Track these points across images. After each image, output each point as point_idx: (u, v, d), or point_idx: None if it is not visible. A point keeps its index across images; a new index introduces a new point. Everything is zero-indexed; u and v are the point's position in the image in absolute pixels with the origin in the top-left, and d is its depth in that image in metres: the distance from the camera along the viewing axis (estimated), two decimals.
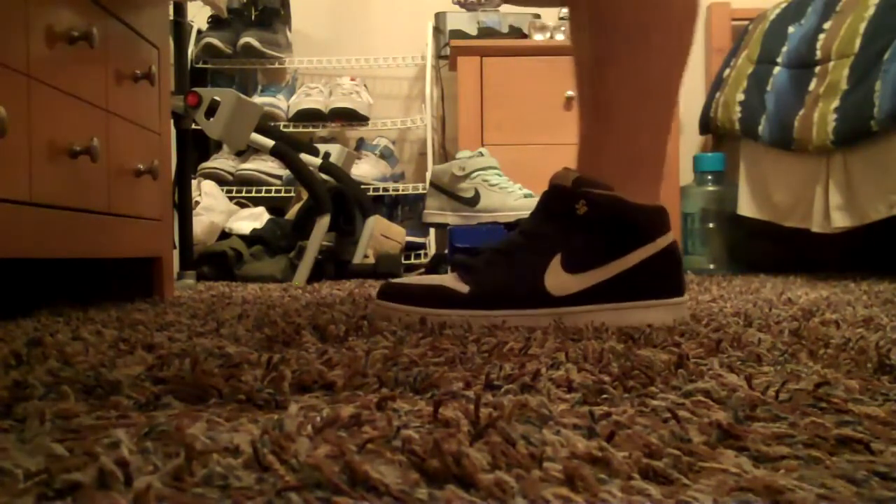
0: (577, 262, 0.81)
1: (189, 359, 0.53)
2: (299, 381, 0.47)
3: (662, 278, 0.82)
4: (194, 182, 2.10)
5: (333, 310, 0.97)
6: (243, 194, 2.55)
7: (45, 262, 1.21)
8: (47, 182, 0.91)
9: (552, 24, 2.58)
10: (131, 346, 0.62)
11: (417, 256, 2.62)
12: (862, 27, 1.86)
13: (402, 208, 2.77)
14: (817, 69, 1.98)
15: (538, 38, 2.57)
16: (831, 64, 1.93)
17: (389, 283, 0.87)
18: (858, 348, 0.60)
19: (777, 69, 2.17)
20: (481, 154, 1.91)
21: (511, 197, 1.84)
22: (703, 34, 2.78)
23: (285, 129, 2.56)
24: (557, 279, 0.81)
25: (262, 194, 2.55)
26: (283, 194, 2.57)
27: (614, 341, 0.65)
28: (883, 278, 1.74)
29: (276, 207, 2.51)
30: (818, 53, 1.99)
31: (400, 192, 2.69)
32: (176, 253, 1.62)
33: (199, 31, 2.67)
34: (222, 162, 2.59)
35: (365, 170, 2.61)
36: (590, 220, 0.80)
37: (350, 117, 2.64)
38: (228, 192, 2.50)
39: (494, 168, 1.89)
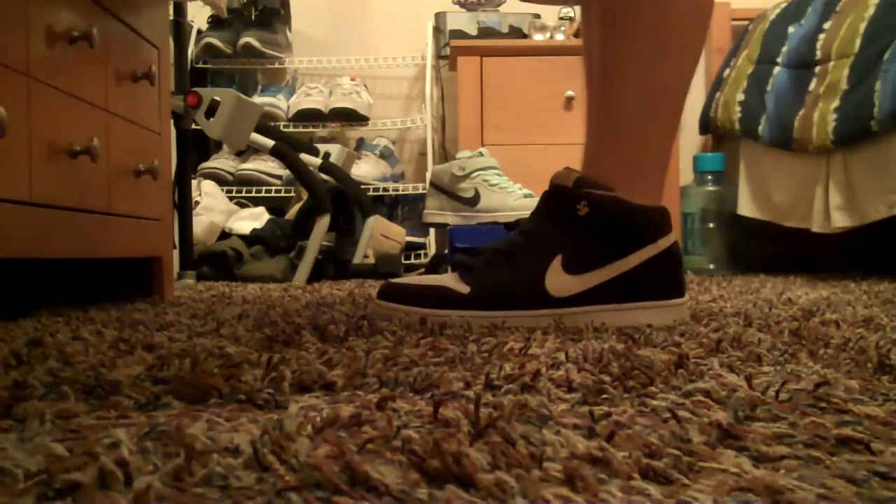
0: (578, 263, 0.80)
1: (189, 359, 0.53)
2: (299, 381, 0.47)
3: (663, 279, 0.82)
4: (194, 182, 2.10)
5: (333, 310, 0.97)
6: (243, 194, 2.55)
7: (45, 262, 1.21)
8: (47, 182, 0.91)
9: (552, 24, 2.58)
10: (131, 346, 0.62)
11: (417, 256, 2.62)
12: (862, 27, 1.86)
13: (402, 208, 2.77)
14: (817, 69, 1.98)
15: (538, 38, 2.57)
16: (831, 64, 1.93)
17: (389, 283, 0.87)
18: (858, 348, 0.60)
19: (777, 69, 2.17)
20: (481, 154, 1.91)
21: (511, 197, 1.84)
22: None
23: (285, 129, 2.56)
24: (558, 280, 0.80)
25: (262, 194, 2.55)
26: (283, 194, 2.56)
27: (614, 341, 0.65)
28: (883, 278, 1.74)
29: (276, 207, 2.51)
30: (818, 53, 1.99)
31: (400, 192, 2.69)
32: (176, 253, 1.62)
33: (199, 31, 2.67)
34: (222, 162, 2.59)
35: (365, 170, 2.61)
36: (591, 221, 0.80)
37: (350, 117, 2.64)
38: (228, 192, 2.51)
39: (494, 168, 1.89)
